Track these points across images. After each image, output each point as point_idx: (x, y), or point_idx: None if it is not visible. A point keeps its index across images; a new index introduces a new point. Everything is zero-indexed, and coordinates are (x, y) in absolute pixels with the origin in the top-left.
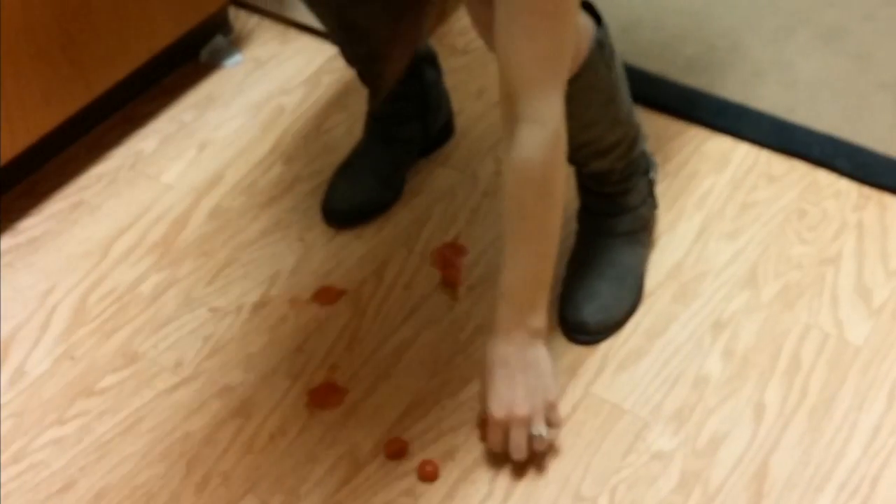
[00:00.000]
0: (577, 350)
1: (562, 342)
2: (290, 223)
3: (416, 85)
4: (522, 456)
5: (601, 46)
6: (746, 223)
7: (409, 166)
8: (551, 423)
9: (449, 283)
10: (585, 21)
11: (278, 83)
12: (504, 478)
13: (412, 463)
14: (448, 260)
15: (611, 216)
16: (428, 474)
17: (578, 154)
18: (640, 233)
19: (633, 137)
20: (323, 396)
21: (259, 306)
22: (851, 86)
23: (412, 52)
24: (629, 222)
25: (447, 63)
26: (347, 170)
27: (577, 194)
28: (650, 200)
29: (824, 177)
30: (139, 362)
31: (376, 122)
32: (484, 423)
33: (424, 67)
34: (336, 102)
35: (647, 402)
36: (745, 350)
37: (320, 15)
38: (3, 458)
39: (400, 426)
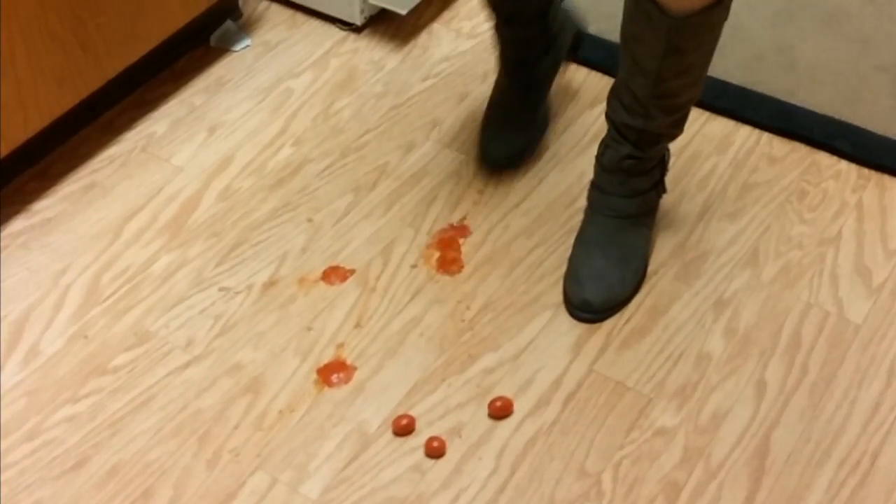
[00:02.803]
0: (581, 328)
1: (566, 320)
2: (299, 204)
3: (542, 24)
4: None
5: None
6: (748, 204)
7: (548, 94)
8: None
9: (446, 264)
10: None
11: (287, 67)
12: (510, 454)
13: (419, 439)
14: (447, 241)
15: (621, 197)
16: (435, 450)
17: (655, 103)
18: (647, 216)
19: (688, 112)
20: (331, 374)
21: (269, 286)
22: (851, 68)
23: None
24: (638, 205)
25: (453, 47)
26: (496, 121)
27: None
28: (660, 186)
29: (824, 158)
30: (151, 341)
31: (514, 68)
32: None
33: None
34: (344, 85)
35: (651, 379)
36: (747, 328)
37: None
38: (17, 435)
39: (407, 403)
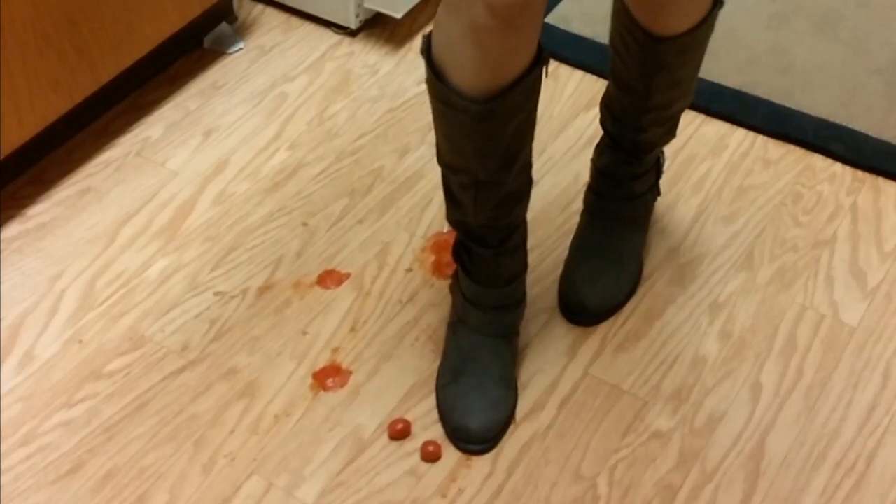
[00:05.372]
0: (576, 331)
1: (561, 323)
2: (294, 208)
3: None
4: None
5: (720, 4)
6: (743, 206)
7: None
8: None
9: (441, 268)
10: None
11: (282, 71)
12: (505, 458)
13: (415, 443)
14: (443, 245)
15: (617, 201)
16: (430, 454)
17: (646, 116)
18: (643, 219)
19: (678, 120)
20: (327, 378)
21: (264, 290)
22: (846, 71)
23: None
24: (634, 208)
25: None
26: (469, 384)
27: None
28: (655, 189)
29: (819, 161)
30: (146, 346)
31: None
32: None
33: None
34: (339, 89)
35: (646, 382)
36: (742, 331)
37: None
38: (12, 440)
39: (403, 407)
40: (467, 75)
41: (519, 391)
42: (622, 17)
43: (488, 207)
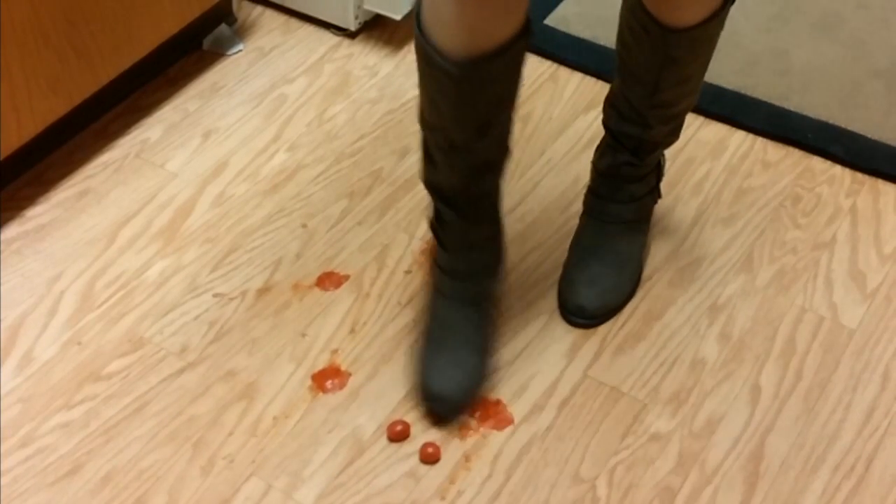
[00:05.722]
0: (575, 333)
1: (560, 325)
2: (294, 210)
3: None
4: None
5: (731, 0)
6: (742, 209)
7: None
8: None
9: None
10: None
11: (281, 72)
12: (504, 460)
13: (414, 445)
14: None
15: (617, 203)
16: (430, 456)
17: (652, 112)
18: (643, 221)
19: (684, 119)
20: (326, 380)
21: (263, 292)
22: (845, 73)
23: None
24: (634, 211)
25: None
26: (438, 346)
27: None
28: (655, 191)
29: (818, 163)
30: (145, 347)
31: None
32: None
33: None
34: (338, 91)
35: (645, 384)
36: (741, 333)
37: None
38: (11, 442)
39: (402, 409)
40: (448, 36)
41: (517, 394)
42: (633, 9)
43: (460, 171)
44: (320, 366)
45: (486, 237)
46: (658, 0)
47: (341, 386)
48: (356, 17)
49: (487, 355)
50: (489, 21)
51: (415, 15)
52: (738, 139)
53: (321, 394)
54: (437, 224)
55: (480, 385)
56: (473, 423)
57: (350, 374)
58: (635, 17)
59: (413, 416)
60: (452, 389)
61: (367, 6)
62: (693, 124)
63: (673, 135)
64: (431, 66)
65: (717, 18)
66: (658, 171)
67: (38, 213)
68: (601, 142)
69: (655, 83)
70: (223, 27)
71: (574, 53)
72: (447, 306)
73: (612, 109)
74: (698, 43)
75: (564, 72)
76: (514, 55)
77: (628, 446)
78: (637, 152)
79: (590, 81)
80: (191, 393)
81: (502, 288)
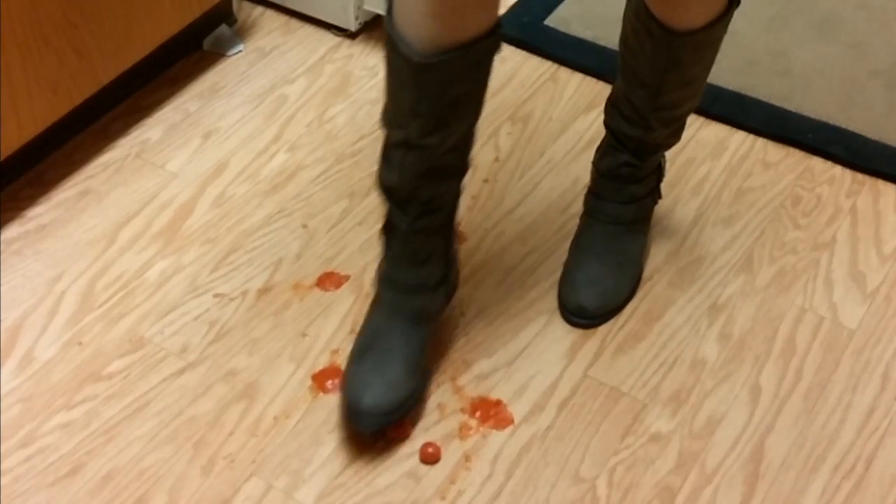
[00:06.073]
0: (575, 333)
1: (561, 325)
2: (294, 210)
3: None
4: None
5: (736, 3)
6: (742, 209)
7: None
8: None
9: None
10: None
11: (281, 73)
12: (504, 459)
13: (414, 445)
14: None
15: (618, 203)
16: (430, 456)
17: (655, 115)
18: (643, 222)
19: (684, 123)
20: (326, 380)
21: (263, 292)
22: (845, 74)
23: None
24: (634, 211)
25: None
26: (369, 359)
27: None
28: (656, 192)
29: (819, 163)
30: (146, 347)
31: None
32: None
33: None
34: (338, 91)
35: (645, 384)
36: (741, 333)
37: None
38: (12, 442)
39: (402, 409)
40: (415, 25)
41: (517, 394)
42: (638, 12)
43: (413, 173)
44: (321, 366)
45: (436, 252)
46: (662, 3)
47: (342, 386)
48: (356, 18)
49: (419, 376)
50: (459, 13)
51: (386, 4)
52: (739, 139)
53: (321, 394)
54: (387, 231)
55: (406, 405)
56: (474, 422)
57: None
58: (639, 20)
59: (413, 416)
60: (382, 409)
61: (367, 7)
62: (693, 125)
63: (674, 136)
64: (395, 55)
65: (721, 22)
66: (658, 171)
67: (39, 214)
68: (602, 142)
69: (658, 86)
70: (223, 28)
71: (574, 54)
72: (385, 317)
73: (614, 110)
74: (702, 46)
75: (565, 72)
76: (478, 54)
77: (628, 446)
78: (638, 153)
79: (590, 82)
80: (191, 393)
81: (447, 308)
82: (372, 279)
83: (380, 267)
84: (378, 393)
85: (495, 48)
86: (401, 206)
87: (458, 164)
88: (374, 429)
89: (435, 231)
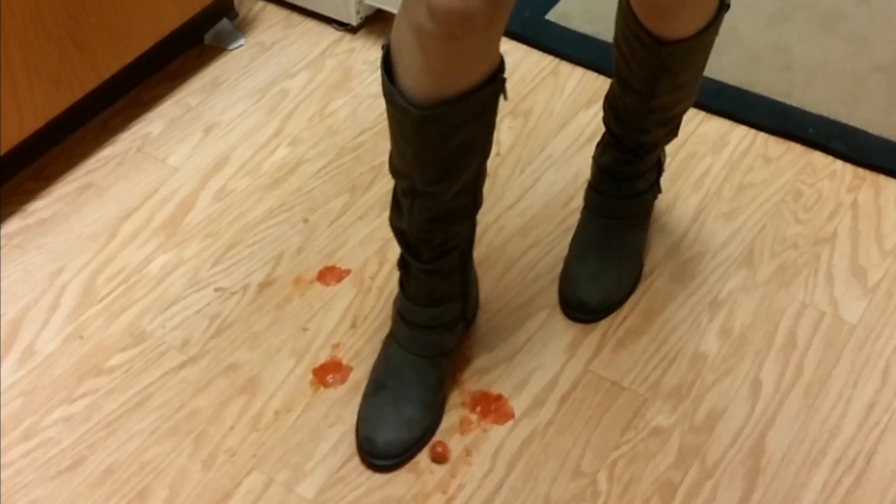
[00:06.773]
0: (576, 328)
1: (561, 320)
2: (295, 204)
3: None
4: None
5: (725, 7)
6: (743, 204)
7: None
8: None
9: None
10: None
11: (282, 67)
12: (505, 454)
13: None
14: None
15: (618, 198)
16: (440, 456)
17: (649, 118)
18: (643, 217)
19: (681, 121)
20: (327, 374)
21: (264, 286)
22: (847, 69)
23: None
24: (635, 206)
25: None
26: (385, 396)
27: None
28: (656, 187)
29: (820, 158)
30: (147, 341)
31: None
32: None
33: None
34: (339, 86)
35: (646, 379)
36: (742, 328)
37: None
38: (13, 435)
39: None
40: (411, 78)
41: (518, 388)
42: (627, 20)
43: (422, 219)
44: (321, 360)
45: (452, 290)
46: (651, 13)
47: (342, 380)
48: (358, 12)
49: (434, 412)
50: (454, 67)
51: (382, 55)
52: (740, 134)
53: (322, 388)
54: (401, 268)
55: (421, 443)
56: (474, 417)
57: (351, 369)
58: (629, 28)
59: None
60: (398, 448)
61: (368, 1)
62: (694, 119)
63: (672, 134)
64: (394, 107)
65: (710, 28)
66: (658, 166)
67: (40, 208)
68: (602, 138)
69: (650, 91)
70: (224, 22)
71: (575, 48)
72: (400, 355)
73: (611, 111)
74: (692, 53)
75: (566, 67)
76: (479, 101)
77: (629, 441)
78: (637, 151)
79: (591, 76)
80: (192, 387)
81: (465, 340)
82: (372, 274)
83: (396, 301)
84: (392, 432)
85: (499, 92)
86: (413, 250)
87: (468, 204)
88: (387, 466)
89: (451, 270)
